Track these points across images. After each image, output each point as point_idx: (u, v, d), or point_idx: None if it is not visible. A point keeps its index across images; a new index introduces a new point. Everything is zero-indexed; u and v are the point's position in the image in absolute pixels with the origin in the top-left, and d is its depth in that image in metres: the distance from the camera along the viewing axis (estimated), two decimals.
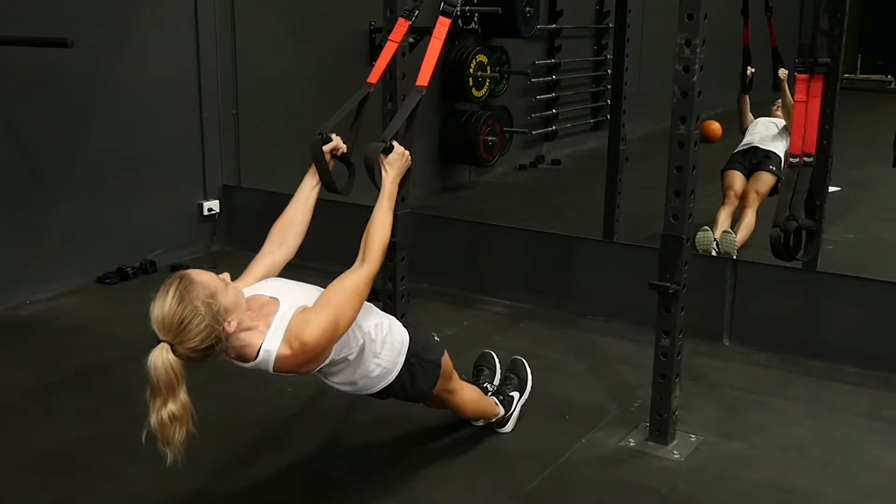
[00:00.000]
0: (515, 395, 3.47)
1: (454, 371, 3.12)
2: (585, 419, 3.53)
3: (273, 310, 2.54)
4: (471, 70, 7.26)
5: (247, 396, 3.70)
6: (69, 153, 4.89)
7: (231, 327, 2.42)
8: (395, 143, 2.85)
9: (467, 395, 3.23)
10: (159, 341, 2.33)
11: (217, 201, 5.68)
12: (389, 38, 3.21)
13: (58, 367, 3.97)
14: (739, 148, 5.95)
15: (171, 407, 2.32)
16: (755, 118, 6.11)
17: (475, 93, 7.39)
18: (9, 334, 4.37)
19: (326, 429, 3.48)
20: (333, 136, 2.96)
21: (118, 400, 3.67)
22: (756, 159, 5.78)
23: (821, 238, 4.83)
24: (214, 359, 2.47)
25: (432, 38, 3.07)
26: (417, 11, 3.21)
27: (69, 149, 4.88)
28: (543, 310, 4.67)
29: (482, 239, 5.02)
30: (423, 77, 3.03)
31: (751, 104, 6.17)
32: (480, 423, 3.44)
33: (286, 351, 2.48)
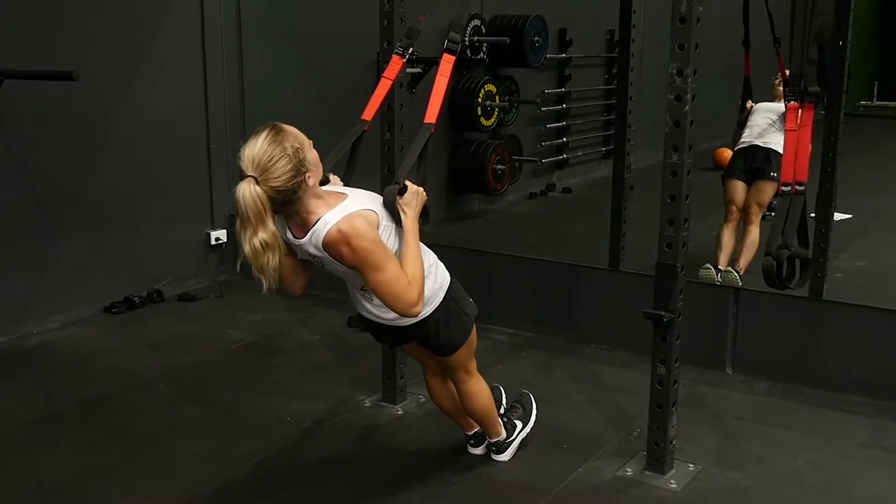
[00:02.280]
0: (519, 423, 3.48)
1: (474, 359, 3.19)
2: (583, 448, 3.52)
3: (343, 198, 2.74)
4: (479, 99, 7.31)
5: (246, 430, 3.71)
6: (78, 184, 4.95)
7: (310, 181, 2.62)
8: (408, 183, 2.87)
9: (483, 386, 3.26)
10: (245, 178, 2.51)
11: (224, 231, 5.72)
12: (384, 75, 3.25)
13: (61, 398, 3.99)
14: (740, 145, 5.80)
15: (262, 235, 2.51)
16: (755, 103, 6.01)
17: (484, 122, 7.43)
18: (14, 364, 4.41)
19: (323, 459, 3.49)
20: (331, 175, 2.99)
21: (119, 432, 3.69)
22: (757, 164, 5.61)
23: (825, 266, 4.83)
24: (288, 213, 2.65)
25: (437, 76, 3.08)
26: (412, 49, 3.24)
27: (78, 179, 4.95)
28: (546, 338, 4.67)
29: (486, 267, 5.03)
30: (431, 115, 3.04)
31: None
32: (479, 452, 3.45)
33: (337, 229, 2.64)
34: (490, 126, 7.54)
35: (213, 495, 3.22)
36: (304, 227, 2.69)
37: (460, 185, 7.59)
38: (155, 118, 5.29)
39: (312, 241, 2.69)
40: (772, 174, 5.49)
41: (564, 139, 8.84)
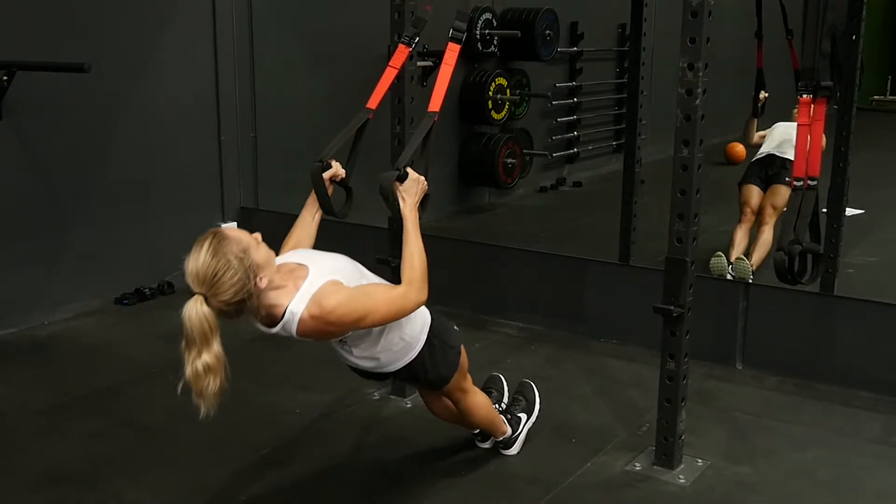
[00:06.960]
0: (523, 416, 3.48)
1: (468, 375, 3.15)
2: (592, 442, 3.51)
3: (303, 274, 2.60)
4: (490, 93, 7.29)
5: (254, 421, 3.71)
6: (88, 175, 4.96)
7: (262, 283, 2.49)
8: (409, 170, 2.84)
9: (480, 399, 3.24)
10: (193, 294, 2.39)
11: (235, 223, 5.73)
12: (389, 63, 3.24)
13: (71, 388, 4.01)
14: (757, 157, 5.98)
15: (206, 358, 2.37)
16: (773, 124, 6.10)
17: (495, 115, 7.41)
18: (25, 354, 4.43)
19: (331, 451, 3.49)
20: (333, 162, 2.99)
21: (129, 421, 3.71)
22: (773, 170, 5.78)
23: (837, 261, 4.81)
24: (245, 317, 2.54)
25: (442, 65, 3.09)
26: (419, 38, 3.24)
27: (88, 170, 4.96)
28: (556, 332, 4.67)
29: (496, 261, 5.03)
30: (435, 103, 3.04)
31: (758, 127, 6.20)
32: (487, 445, 3.45)
33: (308, 315, 2.54)
34: (501, 120, 7.52)
35: (221, 485, 3.23)
36: (271, 319, 2.59)
37: (470, 179, 7.57)
38: (166, 110, 5.29)
39: (285, 331, 2.59)
40: (787, 179, 5.59)
41: (575, 133, 8.81)
